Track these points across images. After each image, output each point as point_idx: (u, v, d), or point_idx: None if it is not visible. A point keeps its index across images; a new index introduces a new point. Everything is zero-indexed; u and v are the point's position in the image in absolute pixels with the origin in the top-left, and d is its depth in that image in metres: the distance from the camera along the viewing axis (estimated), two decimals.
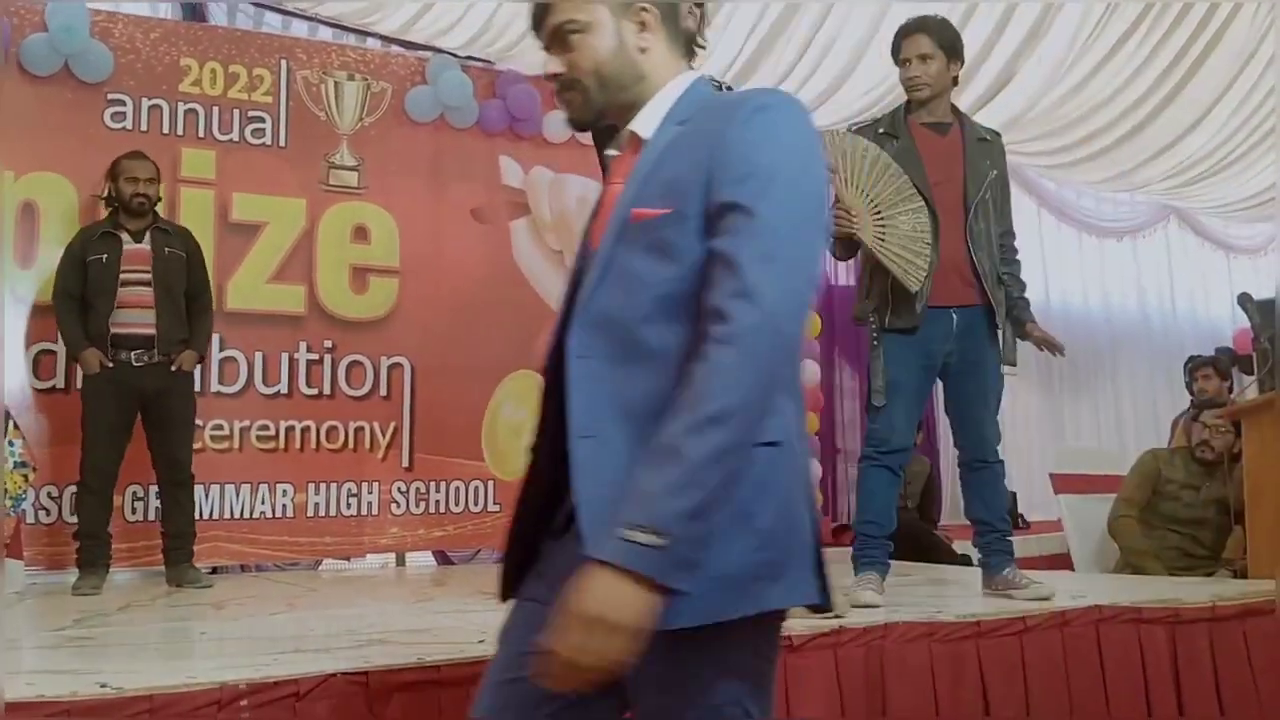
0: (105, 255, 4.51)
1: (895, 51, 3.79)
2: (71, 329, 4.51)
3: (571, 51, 1.67)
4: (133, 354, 4.48)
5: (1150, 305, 9.67)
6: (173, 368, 4.54)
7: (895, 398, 3.62)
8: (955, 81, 3.82)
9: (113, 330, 4.47)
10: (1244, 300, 5.19)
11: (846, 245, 3.66)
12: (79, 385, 4.69)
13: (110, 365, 4.44)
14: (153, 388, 4.51)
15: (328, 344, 5.51)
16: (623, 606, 1.35)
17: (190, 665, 2.68)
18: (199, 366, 4.74)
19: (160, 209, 4.75)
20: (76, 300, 4.51)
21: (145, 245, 4.58)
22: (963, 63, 3.86)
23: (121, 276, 4.51)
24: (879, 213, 3.52)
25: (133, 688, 2.25)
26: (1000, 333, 3.74)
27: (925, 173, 3.62)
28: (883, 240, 3.52)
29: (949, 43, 3.74)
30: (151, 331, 4.51)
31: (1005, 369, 3.78)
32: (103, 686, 2.26)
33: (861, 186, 3.52)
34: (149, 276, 4.55)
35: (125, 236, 4.57)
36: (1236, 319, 8.67)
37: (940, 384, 3.87)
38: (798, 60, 6.33)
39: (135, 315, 4.50)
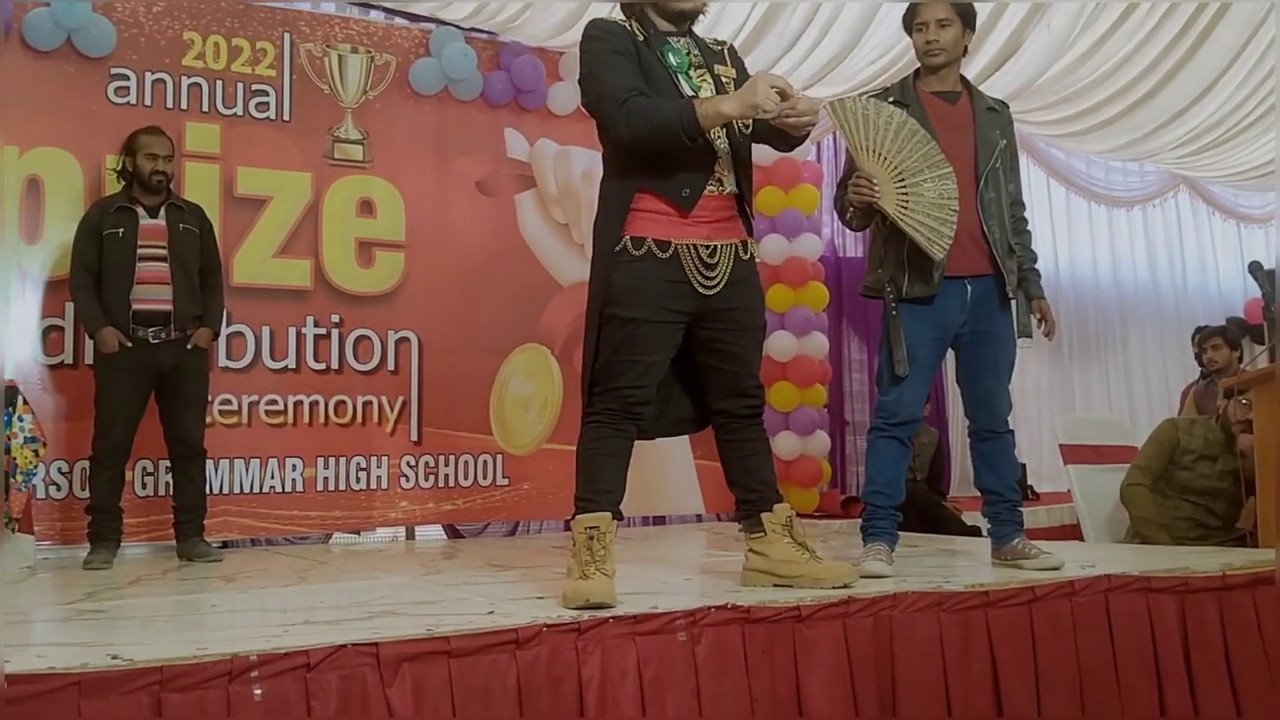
0: (122, 230, 4.50)
1: (910, 17, 3.75)
2: (89, 306, 4.49)
3: None
4: (149, 331, 4.48)
5: (1161, 275, 9.63)
6: (188, 345, 4.54)
7: (908, 368, 3.60)
8: (965, 51, 3.79)
9: (133, 306, 4.47)
10: (1255, 269, 5.14)
11: (865, 214, 3.63)
12: (88, 360, 4.71)
13: (129, 345, 4.44)
14: (168, 364, 4.51)
15: (335, 318, 5.51)
16: None
17: (201, 637, 2.68)
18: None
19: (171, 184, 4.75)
20: (94, 275, 4.50)
21: (161, 220, 4.57)
22: (974, 32, 3.83)
23: (139, 252, 4.50)
24: (902, 180, 3.47)
25: (143, 659, 2.25)
26: (1014, 304, 3.72)
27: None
28: (905, 208, 3.46)
29: (965, 11, 3.71)
30: (168, 308, 4.51)
31: (1021, 341, 3.76)
32: (114, 658, 2.26)
33: (884, 154, 3.46)
34: (165, 252, 4.54)
35: (141, 211, 4.56)
36: (1248, 288, 8.64)
37: (951, 354, 3.86)
38: (804, 28, 6.28)
39: (153, 291, 4.50)
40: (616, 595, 2.88)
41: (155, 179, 4.55)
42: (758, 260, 3.30)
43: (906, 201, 3.47)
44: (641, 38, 3.14)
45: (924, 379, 3.70)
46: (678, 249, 3.08)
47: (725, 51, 3.31)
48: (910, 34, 3.77)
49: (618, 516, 3.08)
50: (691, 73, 3.17)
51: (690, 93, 3.11)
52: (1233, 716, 3.34)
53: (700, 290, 3.09)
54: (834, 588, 3.07)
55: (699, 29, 3.31)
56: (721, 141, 3.13)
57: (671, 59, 3.14)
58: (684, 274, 3.08)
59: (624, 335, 3.07)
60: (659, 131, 2.99)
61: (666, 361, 3.15)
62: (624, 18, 3.22)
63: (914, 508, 4.77)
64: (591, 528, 3.01)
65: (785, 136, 3.20)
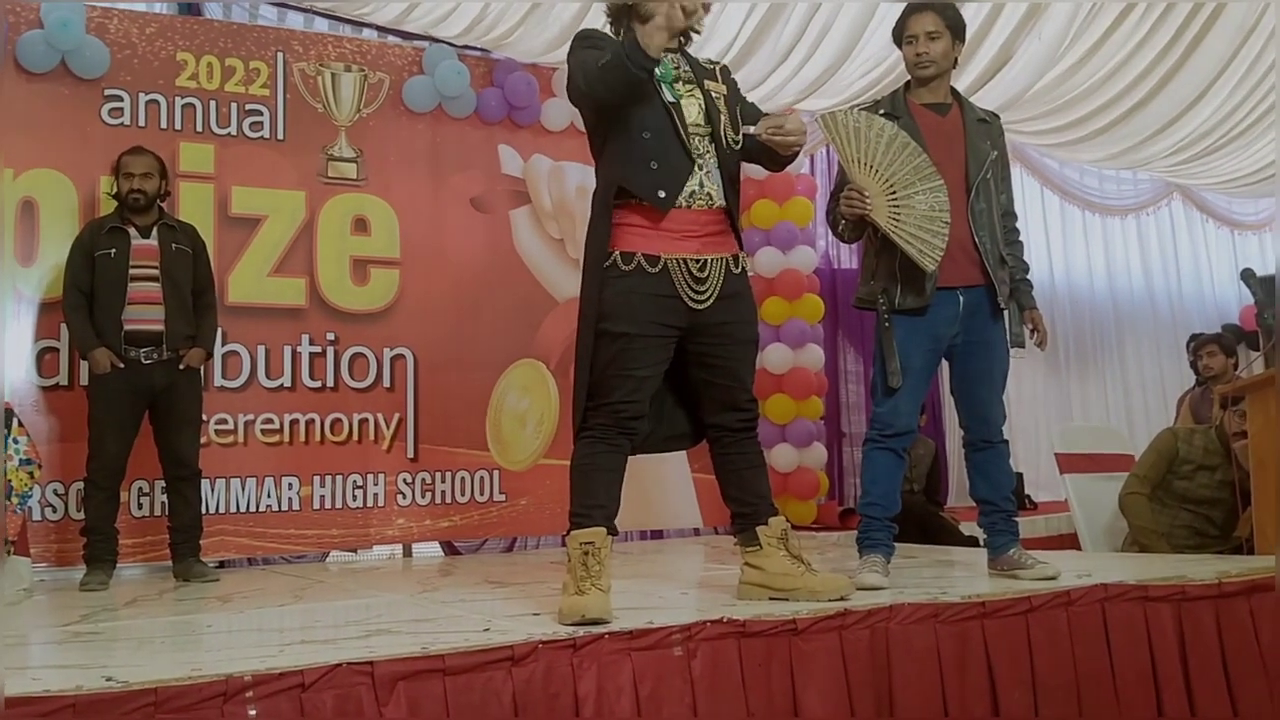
0: (114, 250, 4.51)
1: (899, 30, 3.77)
2: (81, 326, 4.50)
3: None
4: (141, 351, 4.48)
5: (1156, 283, 9.64)
6: (181, 365, 4.54)
7: (902, 380, 3.61)
8: (955, 63, 3.81)
9: (125, 327, 4.47)
10: (1248, 276, 5.16)
11: (857, 227, 3.64)
12: (83, 382, 4.70)
13: (121, 365, 4.44)
14: (161, 385, 4.51)
15: (330, 336, 5.51)
16: None
17: (196, 658, 2.67)
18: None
19: (166, 204, 4.75)
20: (86, 296, 4.51)
21: (153, 241, 4.57)
22: (964, 44, 3.85)
23: (131, 272, 4.50)
24: (894, 193, 3.49)
25: (138, 681, 2.25)
26: (1006, 314, 3.73)
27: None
28: (897, 221, 3.48)
29: (955, 23, 3.74)
30: (160, 328, 4.51)
31: (1014, 351, 3.77)
32: (108, 680, 2.27)
33: (875, 166, 3.48)
34: (157, 272, 4.54)
35: (133, 232, 4.56)
36: (1242, 295, 8.66)
37: (945, 365, 3.87)
38: (795, 42, 6.30)
39: (144, 311, 4.50)
40: (612, 610, 2.88)
41: (132, 198, 4.55)
42: (750, 274, 3.31)
43: (898, 214, 3.48)
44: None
45: (918, 390, 3.70)
46: (667, 263, 3.09)
47: (717, 70, 3.34)
48: (900, 47, 3.79)
49: (612, 531, 3.09)
50: (677, 84, 3.20)
51: (672, 100, 3.13)
52: None
53: (691, 305, 3.10)
54: (830, 600, 3.07)
55: (693, 48, 3.33)
56: (710, 156, 3.15)
57: (655, 69, 3.16)
58: (674, 289, 3.09)
59: (615, 350, 3.08)
60: (608, 69, 3.01)
61: (659, 376, 3.16)
62: (615, 34, 3.25)
63: (911, 519, 4.76)
64: (586, 543, 3.01)
65: (774, 155, 3.23)
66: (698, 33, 3.30)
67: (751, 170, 3.50)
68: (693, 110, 3.16)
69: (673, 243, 3.10)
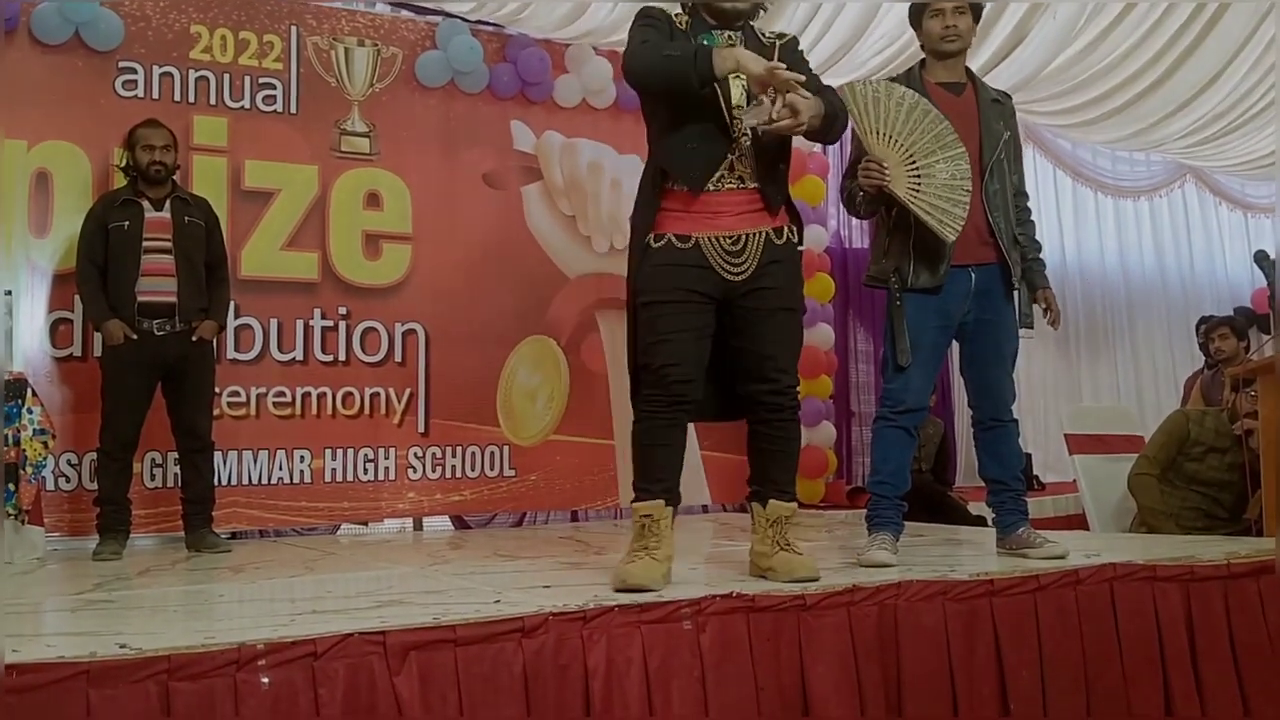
0: (127, 222, 4.52)
1: (922, 6, 3.74)
2: (94, 298, 4.51)
3: None
4: (154, 323, 4.49)
5: (1168, 265, 9.60)
6: (193, 337, 4.56)
7: (913, 358, 3.60)
8: (969, 42, 3.80)
9: (138, 299, 4.49)
10: (1261, 258, 5.16)
11: (875, 200, 3.61)
12: (96, 353, 4.72)
13: (134, 337, 4.46)
14: (173, 356, 4.53)
15: (342, 310, 5.53)
16: None
17: (209, 626, 2.69)
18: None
19: (176, 177, 4.76)
20: (99, 268, 4.52)
21: (166, 213, 4.59)
22: (978, 24, 3.84)
23: (144, 244, 4.52)
24: (913, 162, 3.45)
25: (151, 648, 2.27)
26: (1016, 294, 3.72)
27: None
28: (917, 191, 3.44)
29: (975, 1, 3.73)
30: (173, 300, 4.52)
31: (1023, 332, 3.76)
32: (122, 647, 2.28)
33: (895, 136, 3.45)
34: (170, 245, 4.55)
35: (146, 204, 4.57)
36: (1255, 278, 8.63)
37: (955, 344, 3.86)
38: (810, 19, 6.28)
39: (158, 283, 4.51)
40: (663, 579, 2.95)
41: (154, 170, 4.57)
42: (800, 248, 3.27)
43: (918, 184, 3.44)
44: (683, 27, 3.18)
45: (929, 368, 3.70)
46: (698, 240, 3.09)
47: (777, 44, 3.24)
48: (919, 26, 3.75)
49: (672, 503, 3.14)
50: None
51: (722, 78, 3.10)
52: (1237, 704, 3.35)
53: (727, 276, 3.10)
54: (788, 580, 3.04)
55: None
56: (747, 137, 3.13)
57: (706, 43, 3.13)
58: (707, 260, 3.10)
59: (649, 318, 3.13)
60: (671, 63, 3.01)
61: (699, 341, 3.14)
62: (678, 11, 3.24)
63: (920, 498, 4.77)
64: (645, 516, 3.10)
65: (815, 132, 3.18)
66: (764, 9, 3.29)
67: None
68: (737, 90, 3.11)
69: (703, 222, 3.11)
